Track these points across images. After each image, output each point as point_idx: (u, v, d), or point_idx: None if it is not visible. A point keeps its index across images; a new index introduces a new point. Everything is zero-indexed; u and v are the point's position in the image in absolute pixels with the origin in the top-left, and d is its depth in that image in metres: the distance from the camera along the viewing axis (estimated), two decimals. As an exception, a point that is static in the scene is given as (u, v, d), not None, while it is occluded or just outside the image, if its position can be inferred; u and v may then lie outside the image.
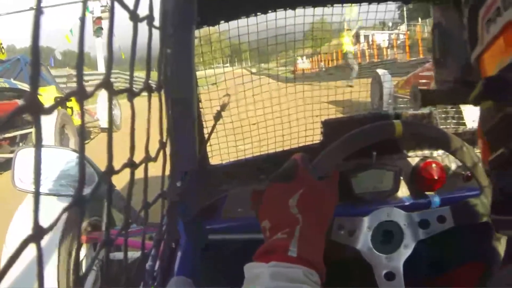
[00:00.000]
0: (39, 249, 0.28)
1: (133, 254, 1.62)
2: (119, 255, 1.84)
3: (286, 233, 0.64)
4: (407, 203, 1.03)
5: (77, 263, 0.44)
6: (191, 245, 1.03)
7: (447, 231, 0.88)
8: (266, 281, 0.57)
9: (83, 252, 2.08)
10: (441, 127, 1.23)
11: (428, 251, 0.89)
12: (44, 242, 0.28)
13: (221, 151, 1.29)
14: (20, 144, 6.41)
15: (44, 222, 0.28)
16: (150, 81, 0.49)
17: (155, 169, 0.61)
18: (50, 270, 1.80)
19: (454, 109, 2.01)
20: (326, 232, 0.70)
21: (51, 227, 0.29)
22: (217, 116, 1.12)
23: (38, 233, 0.27)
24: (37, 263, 0.29)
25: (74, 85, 0.31)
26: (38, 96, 0.25)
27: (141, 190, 0.57)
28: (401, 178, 1.04)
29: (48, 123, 5.96)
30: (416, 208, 0.90)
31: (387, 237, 0.87)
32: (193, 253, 1.02)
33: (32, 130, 6.08)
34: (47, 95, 7.13)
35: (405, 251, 0.86)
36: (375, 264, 0.85)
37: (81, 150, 0.35)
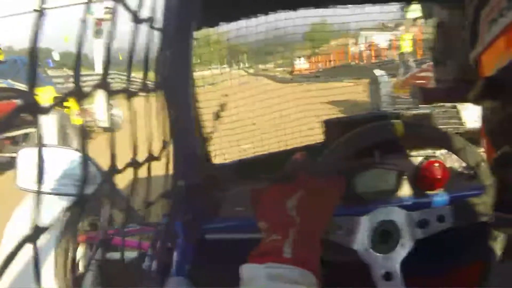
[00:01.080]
0: (36, 248, 0.28)
1: (131, 254, 1.61)
2: (116, 255, 1.84)
3: (280, 235, 0.64)
4: (409, 203, 1.02)
5: (74, 263, 0.44)
6: (188, 245, 1.03)
7: (446, 231, 0.88)
8: (263, 282, 0.57)
9: (80, 251, 2.07)
10: (441, 127, 1.23)
11: (427, 250, 0.88)
12: (41, 241, 0.28)
13: (222, 151, 1.29)
14: (22, 143, 6.42)
15: (45, 221, 0.28)
16: (148, 82, 0.49)
17: (155, 169, 0.61)
18: (47, 270, 1.79)
19: (453, 110, 2.02)
20: (324, 232, 0.70)
21: (48, 227, 0.29)
22: (216, 116, 1.12)
23: (34, 233, 0.27)
24: (33, 262, 0.29)
25: (71, 85, 0.31)
26: (35, 96, 0.26)
27: (143, 189, 0.57)
28: (404, 177, 1.04)
29: (48, 123, 5.96)
30: (418, 207, 0.90)
31: (385, 237, 0.87)
32: (191, 253, 1.02)
33: (33, 129, 6.07)
34: (44, 95, 7.12)
35: (402, 251, 0.86)
36: (373, 264, 0.85)
37: (82, 150, 0.35)
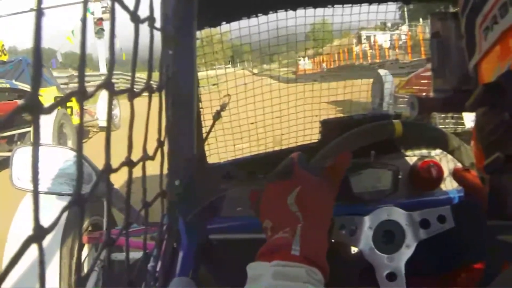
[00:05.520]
0: (41, 249, 0.28)
1: (135, 255, 1.61)
2: (120, 255, 1.84)
3: (287, 232, 0.64)
4: (406, 203, 1.02)
5: (79, 264, 0.44)
6: (192, 245, 1.03)
7: (447, 231, 0.88)
8: (269, 280, 0.57)
9: (84, 252, 2.07)
10: (440, 127, 1.23)
11: (428, 251, 0.88)
12: (45, 242, 0.28)
13: (219, 150, 1.29)
14: (18, 143, 6.44)
15: (44, 222, 0.28)
16: (151, 82, 0.49)
17: (153, 168, 0.61)
18: (52, 271, 1.80)
19: None
20: (328, 230, 0.70)
21: (52, 227, 0.29)
22: (217, 116, 1.12)
23: (39, 233, 0.27)
24: (38, 263, 0.29)
25: (76, 85, 0.31)
26: (39, 97, 0.26)
27: (140, 189, 0.57)
28: (400, 177, 1.03)
29: (47, 122, 5.97)
30: (415, 207, 0.90)
31: (388, 237, 0.87)
32: (195, 253, 1.02)
33: (30, 129, 6.10)
34: (48, 96, 7.17)
35: (406, 251, 0.86)
36: (377, 265, 0.85)
37: (79, 149, 0.35)
